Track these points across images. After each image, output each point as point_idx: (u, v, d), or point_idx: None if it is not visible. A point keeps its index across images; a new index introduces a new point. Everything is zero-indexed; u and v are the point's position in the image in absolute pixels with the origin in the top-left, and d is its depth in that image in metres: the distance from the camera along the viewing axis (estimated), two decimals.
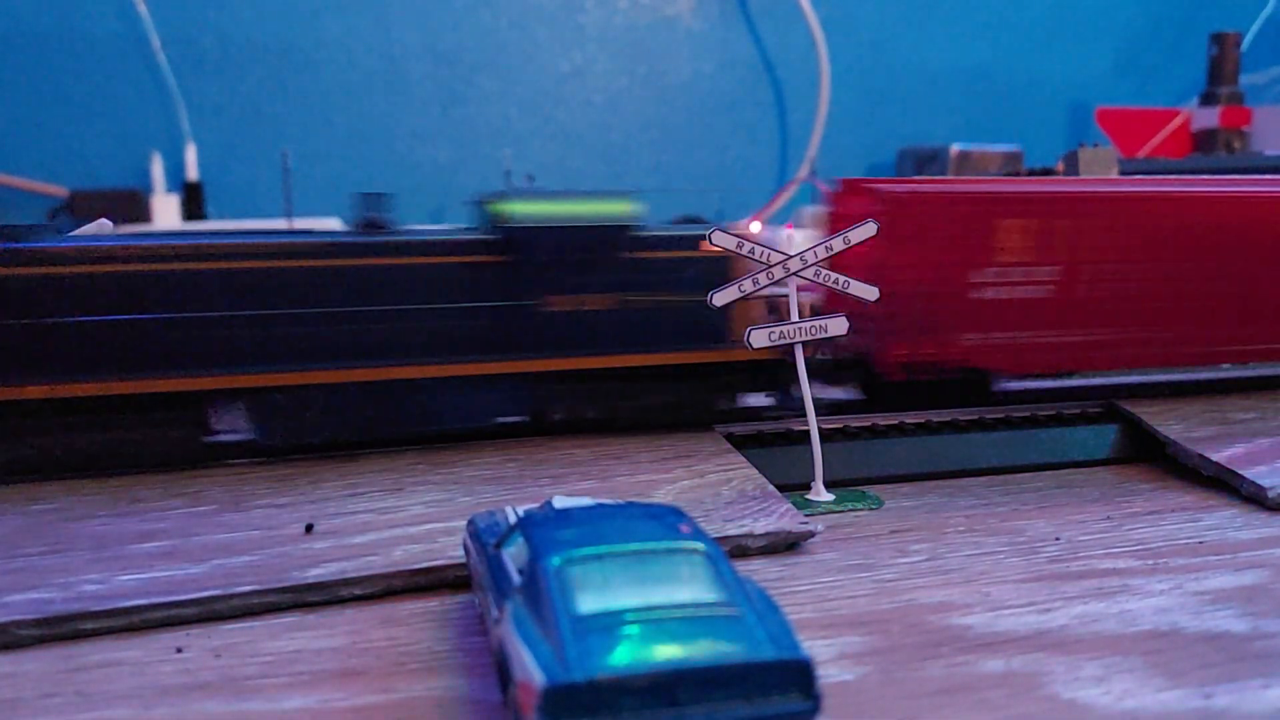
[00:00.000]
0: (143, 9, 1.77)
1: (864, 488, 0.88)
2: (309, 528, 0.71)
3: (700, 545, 0.52)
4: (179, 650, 0.58)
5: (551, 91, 2.01)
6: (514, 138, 1.99)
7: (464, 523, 0.65)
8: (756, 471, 0.82)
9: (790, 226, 1.30)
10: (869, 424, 0.95)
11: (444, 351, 0.84)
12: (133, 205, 1.73)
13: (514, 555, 0.54)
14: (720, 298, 0.82)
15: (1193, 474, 0.90)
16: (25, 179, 1.73)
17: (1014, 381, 1.02)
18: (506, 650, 0.48)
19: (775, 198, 1.99)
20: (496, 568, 0.55)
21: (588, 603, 0.48)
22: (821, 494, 0.84)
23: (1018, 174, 1.67)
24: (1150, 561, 0.72)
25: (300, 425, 0.82)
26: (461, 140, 1.97)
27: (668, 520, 0.55)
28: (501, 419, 0.88)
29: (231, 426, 0.82)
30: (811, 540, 0.75)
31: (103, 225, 0.88)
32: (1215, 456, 0.88)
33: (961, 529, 0.79)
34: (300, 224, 1.13)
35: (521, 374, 0.86)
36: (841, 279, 0.84)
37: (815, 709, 0.46)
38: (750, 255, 0.82)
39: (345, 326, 0.83)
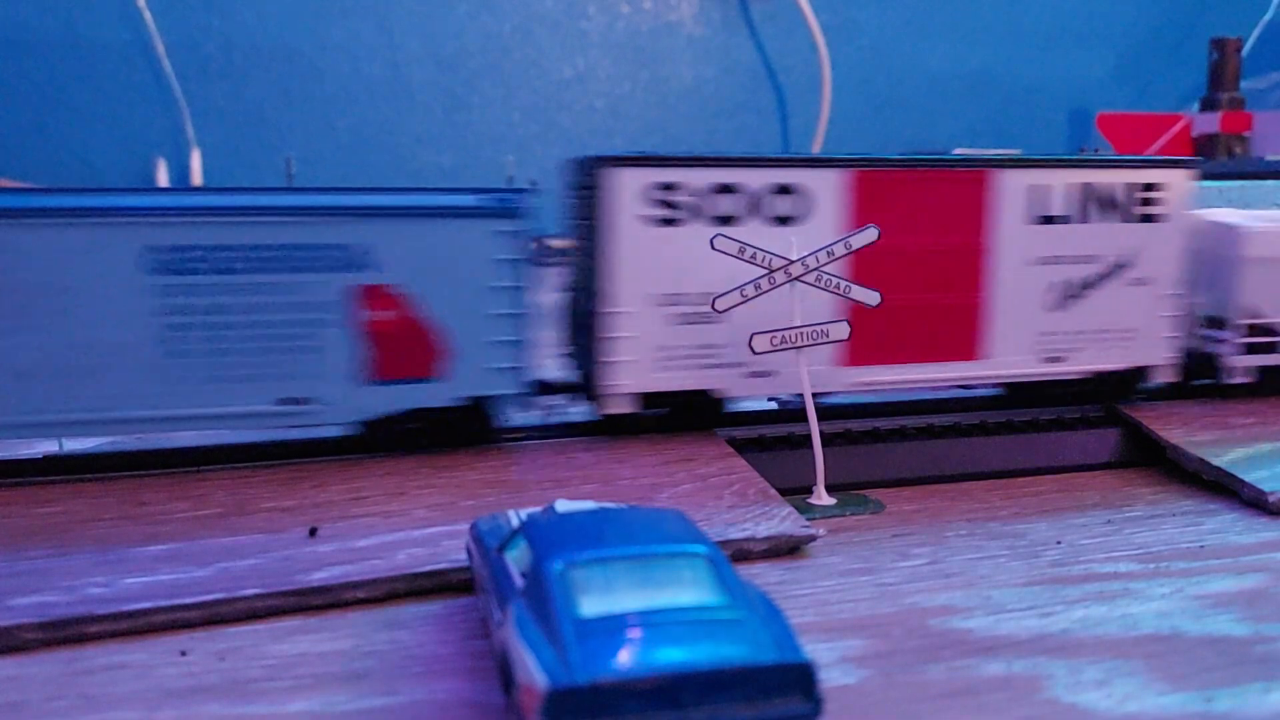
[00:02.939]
0: (148, 16, 1.77)
1: (866, 492, 0.88)
2: (313, 531, 0.71)
3: (702, 549, 0.52)
4: (183, 653, 0.59)
5: (554, 97, 2.02)
6: (517, 143, 1.99)
7: (467, 526, 0.66)
8: (758, 475, 0.82)
9: None
10: (871, 428, 0.95)
11: None
12: None
13: (517, 559, 0.55)
14: (722, 302, 0.82)
15: (1194, 478, 0.90)
16: (31, 184, 1.74)
17: None
18: (509, 653, 0.48)
19: None
20: (499, 571, 0.55)
21: (590, 606, 0.48)
22: (823, 498, 0.84)
23: None
24: (1151, 565, 0.72)
25: None
26: (464, 145, 1.98)
27: (670, 524, 0.56)
28: None
29: None
30: (813, 544, 0.75)
31: None
32: (1216, 460, 0.88)
33: (963, 533, 0.79)
34: None
35: None
36: (843, 283, 0.84)
37: (817, 712, 0.46)
38: (752, 260, 0.82)
39: None
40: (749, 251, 0.82)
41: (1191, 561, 0.72)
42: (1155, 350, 0.97)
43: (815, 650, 0.57)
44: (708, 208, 0.85)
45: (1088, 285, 0.93)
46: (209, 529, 0.71)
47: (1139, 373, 0.98)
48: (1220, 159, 1.90)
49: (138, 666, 0.57)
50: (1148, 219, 0.94)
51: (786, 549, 0.74)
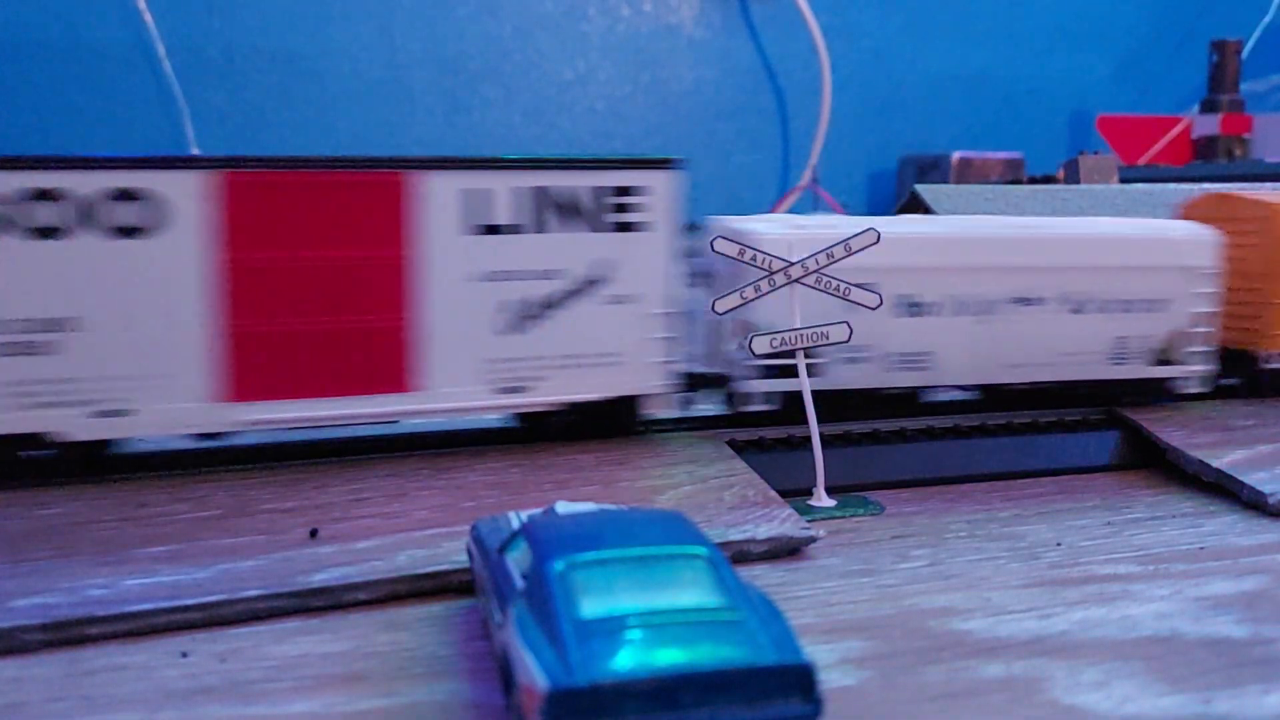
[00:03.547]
0: (148, 18, 1.78)
1: (866, 493, 0.88)
2: (314, 533, 0.71)
3: (702, 550, 0.52)
4: (184, 655, 0.59)
5: (554, 99, 2.02)
6: (518, 145, 1.99)
7: (467, 528, 0.66)
8: (759, 477, 0.83)
9: None
10: (871, 430, 0.95)
11: None
12: None
13: (517, 560, 0.55)
14: (722, 304, 0.82)
15: (1193, 480, 0.90)
16: None
17: None
18: (510, 654, 0.48)
19: (777, 205, 1.99)
20: (500, 573, 0.55)
21: (591, 607, 0.48)
22: (823, 499, 0.84)
23: (1018, 181, 1.67)
24: (1151, 567, 0.72)
25: None
26: (465, 148, 1.98)
27: (670, 525, 0.56)
28: None
29: None
30: (813, 545, 0.75)
31: None
32: (1215, 462, 0.89)
33: (963, 534, 0.79)
34: None
35: None
36: (843, 285, 0.84)
37: (817, 713, 0.46)
38: (752, 262, 0.82)
39: None
40: (749, 254, 0.82)
41: (1191, 563, 0.73)
42: (644, 377, 0.86)
43: (815, 651, 0.57)
44: (22, 218, 0.72)
45: (551, 305, 0.82)
46: (209, 530, 0.71)
47: (627, 403, 0.87)
48: (1220, 161, 1.90)
49: (139, 668, 0.57)
50: (624, 228, 0.83)
51: (786, 550, 0.74)
